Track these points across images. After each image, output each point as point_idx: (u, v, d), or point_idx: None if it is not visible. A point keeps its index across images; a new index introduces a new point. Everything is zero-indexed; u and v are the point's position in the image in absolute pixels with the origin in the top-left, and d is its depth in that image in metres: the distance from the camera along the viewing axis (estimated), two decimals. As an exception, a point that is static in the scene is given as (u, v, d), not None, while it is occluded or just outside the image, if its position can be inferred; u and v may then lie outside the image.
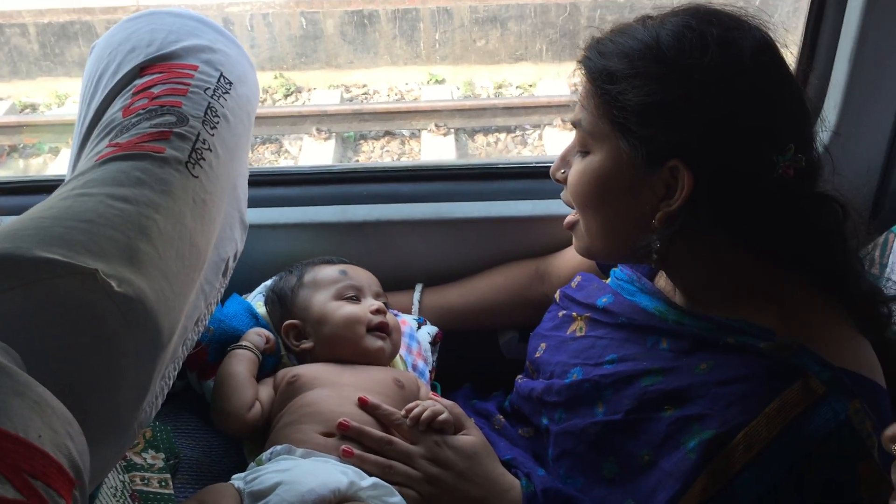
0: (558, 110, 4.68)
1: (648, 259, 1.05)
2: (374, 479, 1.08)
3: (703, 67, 0.96)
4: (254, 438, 1.22)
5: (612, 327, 1.18)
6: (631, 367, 1.10)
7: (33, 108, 5.29)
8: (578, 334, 1.23)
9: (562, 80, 5.26)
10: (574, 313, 1.27)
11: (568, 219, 1.16)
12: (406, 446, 1.13)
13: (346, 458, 1.11)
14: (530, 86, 5.27)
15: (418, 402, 1.17)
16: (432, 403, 1.14)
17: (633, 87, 0.99)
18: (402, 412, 1.14)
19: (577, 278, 1.33)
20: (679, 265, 1.10)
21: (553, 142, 4.59)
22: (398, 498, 1.08)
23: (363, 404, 1.17)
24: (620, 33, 1.04)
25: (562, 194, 1.16)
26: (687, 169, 0.97)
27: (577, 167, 1.08)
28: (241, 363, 1.27)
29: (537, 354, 1.29)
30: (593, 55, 1.05)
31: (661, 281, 1.20)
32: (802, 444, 0.92)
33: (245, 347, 1.30)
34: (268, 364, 1.34)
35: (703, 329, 1.06)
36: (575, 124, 1.09)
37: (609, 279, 1.28)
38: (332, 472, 1.06)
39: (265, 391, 1.27)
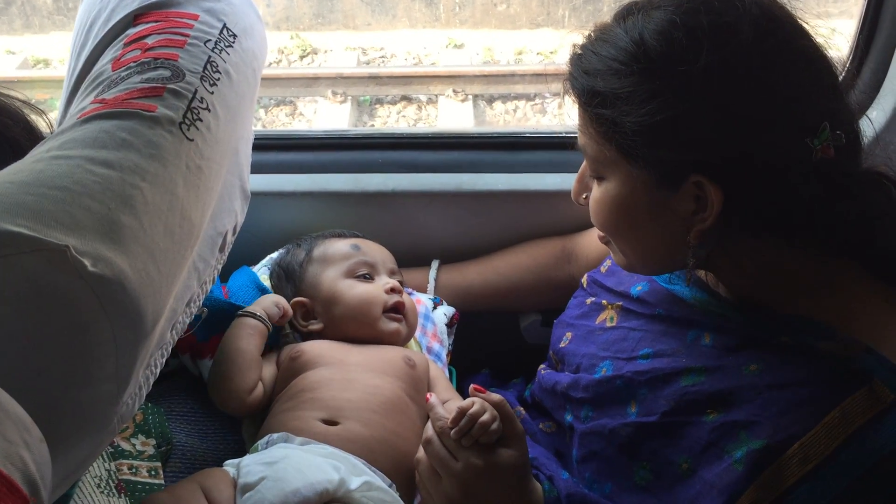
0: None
1: (687, 269, 0.97)
2: (365, 478, 1.00)
3: (701, 71, 0.84)
4: (253, 418, 1.15)
5: (647, 319, 1.10)
6: (669, 363, 1.01)
7: (46, 63, 5.25)
8: (609, 325, 1.15)
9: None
10: (604, 301, 1.19)
11: (600, 234, 1.07)
12: (444, 454, 1.01)
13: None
14: (551, 52, 5.18)
15: (468, 405, 1.00)
16: (481, 410, 1.00)
17: (630, 108, 0.89)
18: (449, 421, 1.01)
19: (607, 262, 1.24)
20: (722, 270, 1.01)
21: (573, 111, 4.49)
22: (391, 498, 1.00)
23: (426, 401, 1.07)
24: (602, 41, 0.94)
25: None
26: (711, 183, 0.87)
27: (595, 195, 1.00)
28: (250, 338, 1.18)
29: (562, 344, 1.20)
30: (578, 74, 0.96)
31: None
32: (866, 458, 0.83)
33: (257, 317, 1.20)
34: (268, 339, 1.24)
35: (753, 325, 0.97)
36: (581, 150, 1.01)
37: None
38: (323, 469, 0.99)
39: (268, 370, 1.20)
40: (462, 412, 1.00)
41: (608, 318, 1.16)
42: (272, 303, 1.23)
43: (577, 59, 0.97)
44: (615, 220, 0.99)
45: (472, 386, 1.06)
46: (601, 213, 0.99)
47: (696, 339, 1.01)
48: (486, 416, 0.99)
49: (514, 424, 1.01)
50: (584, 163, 1.03)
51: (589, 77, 0.93)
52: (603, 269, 1.24)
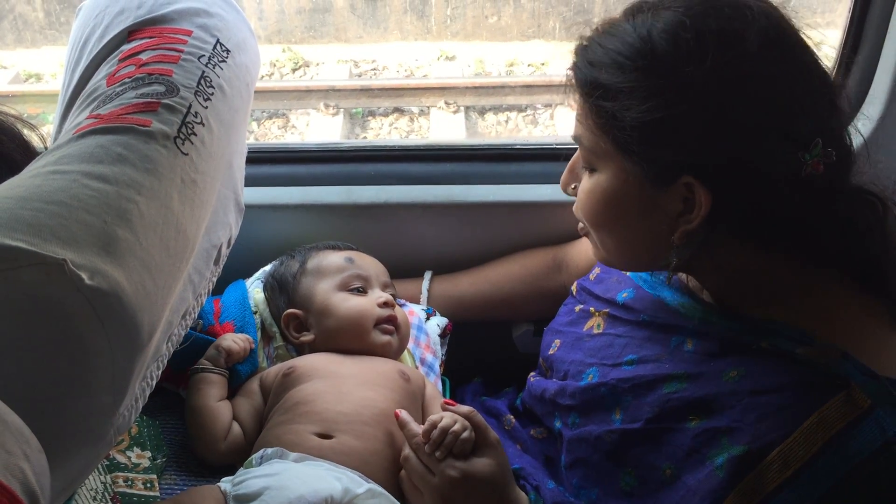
0: (570, 90, 4.57)
1: (668, 269, 0.98)
2: (369, 486, 1.01)
3: (705, 74, 0.85)
4: (242, 459, 1.12)
5: (632, 325, 1.10)
6: (652, 370, 1.02)
7: (38, 77, 5.22)
8: (596, 331, 1.15)
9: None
10: (592, 308, 1.19)
11: (580, 226, 1.07)
12: (421, 470, 1.03)
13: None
14: (542, 64, 5.18)
15: (438, 418, 1.03)
16: (452, 421, 1.02)
17: (631, 103, 0.89)
18: (421, 436, 1.03)
19: (596, 270, 1.25)
20: (703, 272, 1.02)
21: (565, 122, 4.50)
22: None
23: (396, 418, 1.08)
24: (609, 35, 0.94)
25: (573, 208, 1.07)
26: (701, 186, 0.88)
27: (585, 185, 1.00)
28: (202, 392, 1.17)
29: (551, 351, 1.21)
30: (582, 64, 0.96)
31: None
32: (844, 463, 0.84)
33: (200, 370, 1.20)
34: (243, 371, 1.24)
35: (734, 330, 0.97)
36: (576, 140, 1.01)
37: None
38: (325, 478, 0.99)
39: (245, 405, 1.19)
40: (433, 425, 1.01)
41: (595, 325, 1.16)
42: (215, 347, 1.22)
43: (582, 50, 0.97)
44: (602, 212, 0.99)
45: (441, 401, 1.08)
46: (589, 204, 0.99)
47: (679, 345, 1.02)
48: (456, 426, 1.01)
49: (486, 434, 1.03)
50: (577, 153, 1.04)
51: (593, 68, 0.93)
52: (592, 276, 1.24)
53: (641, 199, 0.94)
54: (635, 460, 1.00)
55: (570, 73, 0.99)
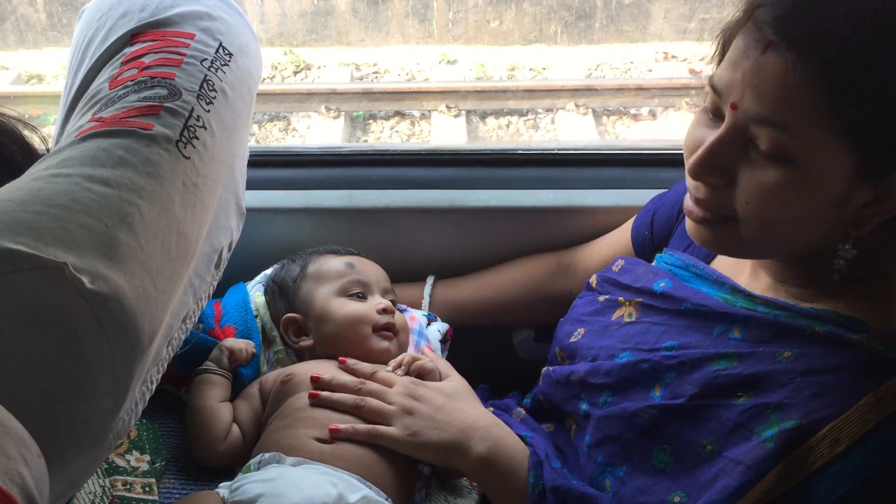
0: (571, 94, 4.59)
1: (837, 263, 0.90)
2: (364, 492, 1.00)
3: None
4: (240, 462, 1.12)
5: (671, 314, 1.07)
6: (697, 352, 0.99)
7: (39, 78, 5.23)
8: (627, 320, 1.12)
9: (576, 63, 5.18)
10: (620, 298, 1.16)
11: (701, 214, 0.92)
12: (378, 386, 1.13)
13: (312, 400, 1.12)
14: (543, 68, 5.20)
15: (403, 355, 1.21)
16: (416, 354, 1.19)
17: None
18: (392, 365, 1.19)
19: (620, 262, 1.22)
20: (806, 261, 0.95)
21: (566, 127, 4.50)
22: None
23: (342, 364, 1.18)
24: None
25: (695, 190, 0.92)
26: None
27: (771, 178, 0.83)
28: (203, 393, 1.18)
29: (573, 339, 1.17)
30: (823, 27, 0.75)
31: (722, 266, 1.09)
32: (894, 445, 0.83)
33: (202, 371, 1.21)
34: (246, 375, 1.25)
35: (783, 317, 0.95)
36: (768, 121, 0.81)
37: (655, 263, 1.17)
38: (320, 484, 0.99)
39: (245, 408, 1.19)
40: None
41: (626, 314, 1.13)
42: (219, 349, 1.23)
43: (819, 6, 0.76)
44: (790, 209, 0.85)
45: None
46: (776, 202, 0.84)
47: (723, 333, 0.99)
48: (420, 356, 1.21)
49: (449, 369, 1.22)
50: (726, 131, 0.85)
51: (857, 32, 0.75)
52: (615, 268, 1.21)
53: (842, 191, 0.83)
54: (672, 437, 0.97)
55: (774, 31, 0.79)
